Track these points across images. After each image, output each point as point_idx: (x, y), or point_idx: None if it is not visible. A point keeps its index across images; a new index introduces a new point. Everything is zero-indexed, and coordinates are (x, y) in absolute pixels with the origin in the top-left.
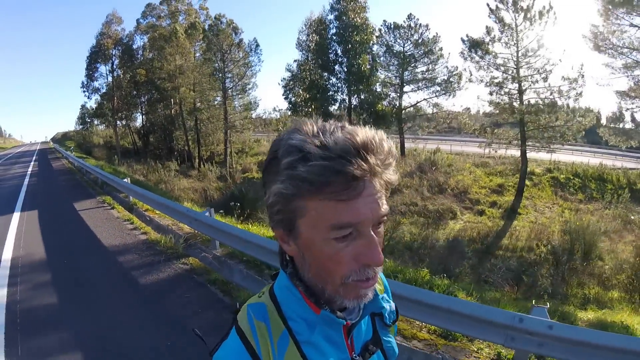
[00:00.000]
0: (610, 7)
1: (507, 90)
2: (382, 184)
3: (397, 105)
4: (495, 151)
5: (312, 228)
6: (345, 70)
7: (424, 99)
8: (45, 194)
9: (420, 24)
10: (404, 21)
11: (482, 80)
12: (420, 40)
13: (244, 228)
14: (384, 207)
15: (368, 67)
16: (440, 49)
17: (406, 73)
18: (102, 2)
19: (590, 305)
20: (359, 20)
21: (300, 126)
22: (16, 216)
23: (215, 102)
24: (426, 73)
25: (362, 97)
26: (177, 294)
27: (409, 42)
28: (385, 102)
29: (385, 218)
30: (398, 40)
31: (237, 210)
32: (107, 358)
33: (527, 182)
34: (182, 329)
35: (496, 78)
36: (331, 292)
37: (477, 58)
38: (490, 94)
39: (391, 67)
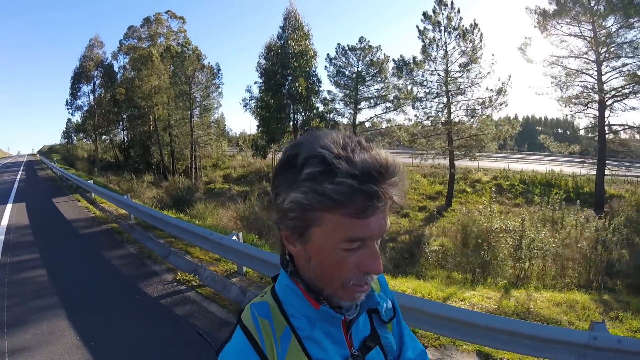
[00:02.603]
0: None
1: (432, 105)
2: (391, 205)
3: (352, 120)
4: (425, 160)
5: (325, 237)
6: (287, 92)
7: (375, 115)
8: (31, 193)
9: (371, 45)
10: (356, 43)
11: (407, 98)
12: (370, 61)
13: (154, 209)
14: (388, 224)
15: (305, 89)
16: (394, 68)
17: (361, 91)
18: (92, 18)
19: (411, 276)
20: (299, 48)
21: (323, 134)
22: (9, 205)
23: (187, 120)
24: (381, 90)
25: (304, 115)
26: (97, 237)
27: (362, 63)
28: (331, 118)
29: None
30: (352, 61)
31: (161, 203)
32: (58, 259)
33: (468, 189)
34: (93, 248)
35: (431, 95)
36: (329, 293)
37: (404, 76)
38: (414, 108)
39: (345, 86)
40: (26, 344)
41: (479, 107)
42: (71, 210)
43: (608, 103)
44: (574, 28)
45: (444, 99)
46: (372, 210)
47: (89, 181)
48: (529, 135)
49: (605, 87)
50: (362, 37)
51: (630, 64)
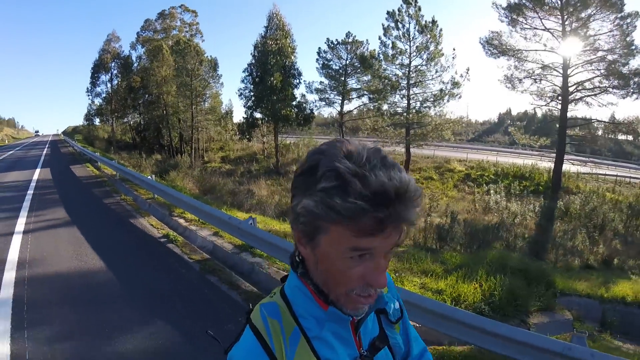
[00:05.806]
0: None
1: (394, 97)
2: (403, 224)
3: (340, 109)
4: (383, 147)
5: (331, 246)
6: (265, 85)
7: (363, 104)
8: (54, 162)
9: (357, 39)
10: (344, 38)
11: (369, 90)
12: (355, 55)
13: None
14: (400, 238)
15: (280, 82)
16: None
17: (349, 83)
18: (115, 8)
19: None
20: (276, 46)
21: (347, 146)
22: (38, 169)
23: (189, 108)
24: (370, 82)
25: (280, 106)
26: (91, 184)
27: (349, 56)
28: (306, 107)
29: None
30: (340, 54)
31: (152, 173)
32: (66, 192)
33: (435, 176)
34: (87, 188)
35: (394, 88)
36: (333, 299)
37: (368, 70)
38: (370, 100)
39: (333, 78)
40: (43, 214)
41: (432, 98)
42: (81, 172)
43: (578, 97)
44: (542, 21)
45: (405, 92)
46: (379, 231)
47: (97, 153)
48: (547, 130)
49: (574, 80)
50: (349, 32)
51: (605, 56)
